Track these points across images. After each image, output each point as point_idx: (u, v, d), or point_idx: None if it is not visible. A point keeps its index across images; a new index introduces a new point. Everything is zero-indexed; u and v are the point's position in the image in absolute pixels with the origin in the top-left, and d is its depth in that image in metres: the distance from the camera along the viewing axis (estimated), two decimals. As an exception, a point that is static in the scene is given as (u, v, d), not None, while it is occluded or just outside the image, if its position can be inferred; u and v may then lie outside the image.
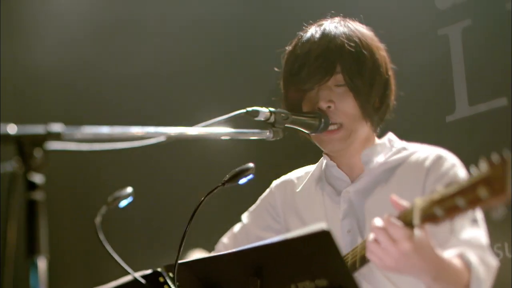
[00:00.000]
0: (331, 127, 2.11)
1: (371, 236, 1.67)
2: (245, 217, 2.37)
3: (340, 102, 2.11)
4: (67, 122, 1.50)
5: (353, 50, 2.11)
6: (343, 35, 2.13)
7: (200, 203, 1.85)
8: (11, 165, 1.37)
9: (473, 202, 1.44)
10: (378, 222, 1.66)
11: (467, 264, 1.83)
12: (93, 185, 4.34)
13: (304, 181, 2.29)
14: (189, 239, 1.91)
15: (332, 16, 2.24)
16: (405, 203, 1.65)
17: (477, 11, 3.22)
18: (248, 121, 2.00)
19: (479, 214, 1.97)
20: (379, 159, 2.17)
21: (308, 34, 2.18)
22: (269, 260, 1.69)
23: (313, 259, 1.62)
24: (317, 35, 2.15)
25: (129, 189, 2.08)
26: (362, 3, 3.44)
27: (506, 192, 1.40)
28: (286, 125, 2.05)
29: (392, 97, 2.21)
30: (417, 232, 1.62)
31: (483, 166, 1.43)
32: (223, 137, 1.93)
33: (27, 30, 4.68)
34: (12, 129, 1.36)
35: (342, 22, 2.19)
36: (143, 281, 1.86)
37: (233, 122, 1.94)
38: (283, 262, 1.68)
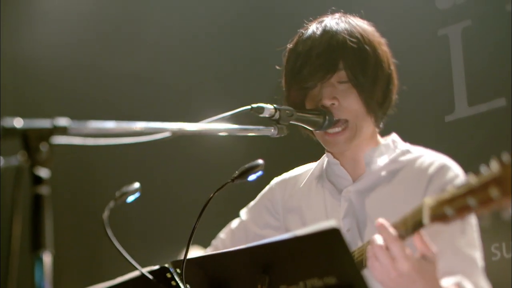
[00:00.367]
0: (336, 128, 2.10)
1: (370, 253, 1.68)
2: (243, 213, 2.37)
3: (343, 99, 2.10)
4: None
5: (355, 46, 2.10)
6: (345, 31, 2.12)
7: (209, 199, 1.84)
8: (16, 159, 1.35)
9: (484, 202, 1.43)
10: (378, 239, 1.66)
11: None
12: (100, 180, 4.32)
13: (305, 179, 2.28)
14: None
15: (333, 12, 2.23)
16: (391, 230, 1.65)
17: (477, 11, 3.22)
18: (252, 118, 1.99)
19: (474, 229, 1.99)
20: (382, 160, 2.16)
21: (309, 31, 2.16)
22: (278, 257, 1.68)
23: (322, 257, 1.62)
24: (318, 32, 2.14)
25: (137, 185, 2.07)
26: (362, 2, 3.42)
27: (517, 193, 1.40)
28: (290, 122, 2.04)
29: (395, 91, 2.20)
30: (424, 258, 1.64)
31: (494, 166, 1.42)
32: (228, 134, 1.92)
33: (28, 26, 4.65)
34: (18, 122, 1.35)
35: (343, 18, 2.18)
36: (150, 276, 1.86)
37: (238, 119, 1.93)
38: (292, 260, 1.67)
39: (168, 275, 1.86)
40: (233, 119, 1.92)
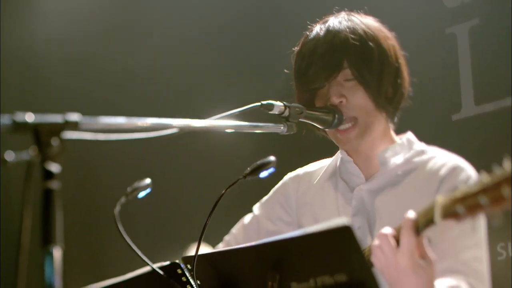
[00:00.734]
0: (346, 125, 2.11)
1: (376, 241, 1.69)
2: (256, 208, 2.37)
3: (351, 96, 2.11)
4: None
5: (357, 43, 2.11)
6: (347, 30, 2.12)
7: (221, 196, 1.84)
8: (27, 154, 1.35)
9: (496, 201, 1.43)
10: (387, 229, 1.68)
11: None
12: (110, 175, 4.32)
13: (319, 175, 2.28)
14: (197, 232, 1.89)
15: (338, 12, 2.23)
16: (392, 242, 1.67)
17: (485, 10, 3.22)
18: (258, 115, 1.99)
19: (483, 229, 1.99)
20: (397, 159, 2.15)
21: (314, 32, 2.18)
22: (289, 254, 1.68)
23: (333, 254, 1.62)
24: (322, 33, 2.15)
25: (148, 180, 2.07)
26: (369, 2, 3.42)
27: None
28: (300, 119, 2.04)
29: (406, 84, 2.19)
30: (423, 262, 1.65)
31: (507, 165, 1.41)
32: (237, 130, 1.92)
33: (29, 23, 4.64)
34: (30, 117, 1.35)
35: (347, 17, 2.18)
36: (161, 272, 1.86)
37: (244, 116, 1.93)
38: (303, 257, 1.67)
39: (179, 271, 1.86)
40: (240, 116, 1.92)
